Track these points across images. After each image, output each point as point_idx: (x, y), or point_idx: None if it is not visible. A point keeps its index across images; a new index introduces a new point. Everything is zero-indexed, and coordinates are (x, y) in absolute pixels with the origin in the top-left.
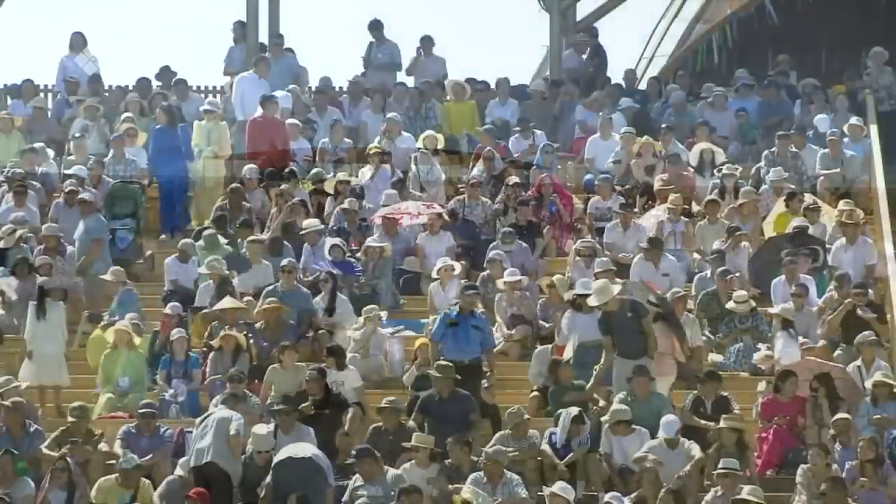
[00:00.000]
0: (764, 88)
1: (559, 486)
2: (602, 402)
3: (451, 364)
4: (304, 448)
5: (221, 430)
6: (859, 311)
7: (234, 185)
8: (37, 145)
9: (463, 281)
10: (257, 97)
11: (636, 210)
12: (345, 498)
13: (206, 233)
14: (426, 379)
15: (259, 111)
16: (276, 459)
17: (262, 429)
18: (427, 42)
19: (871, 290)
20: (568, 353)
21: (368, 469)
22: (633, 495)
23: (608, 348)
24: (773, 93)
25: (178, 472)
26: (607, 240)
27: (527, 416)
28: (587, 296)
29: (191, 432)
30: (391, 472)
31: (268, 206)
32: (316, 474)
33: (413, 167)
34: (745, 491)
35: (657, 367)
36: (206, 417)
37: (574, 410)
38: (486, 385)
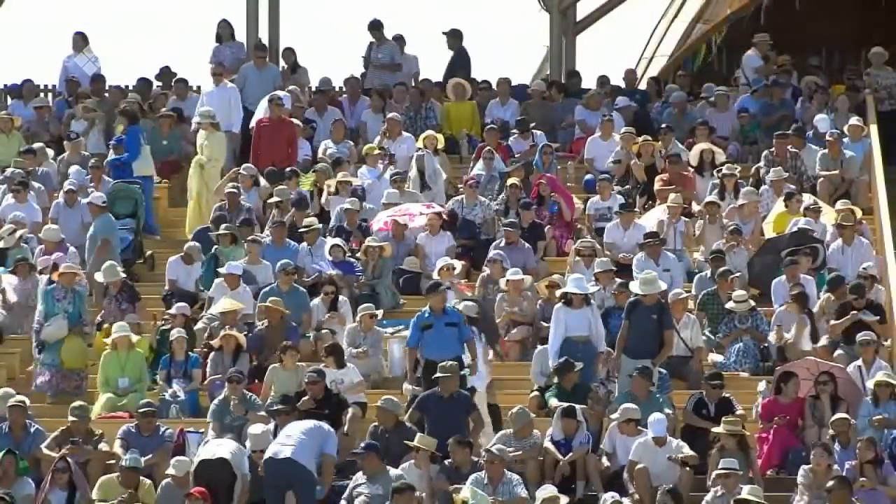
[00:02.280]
0: (768, 88)
1: (548, 489)
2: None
3: (455, 363)
4: (284, 448)
5: (240, 454)
6: (862, 317)
7: (231, 184)
8: (36, 145)
9: (463, 281)
10: (219, 107)
11: (636, 210)
12: (345, 494)
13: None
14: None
15: (264, 112)
16: (264, 457)
17: (258, 428)
18: (400, 41)
19: (872, 288)
20: (552, 354)
21: (371, 465)
22: (630, 497)
23: (624, 334)
24: (777, 92)
25: (171, 471)
26: (607, 239)
27: (533, 416)
28: (576, 294)
29: (191, 432)
30: (393, 471)
31: (270, 209)
32: (300, 473)
33: (414, 167)
34: (746, 490)
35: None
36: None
37: (563, 405)
38: (467, 373)
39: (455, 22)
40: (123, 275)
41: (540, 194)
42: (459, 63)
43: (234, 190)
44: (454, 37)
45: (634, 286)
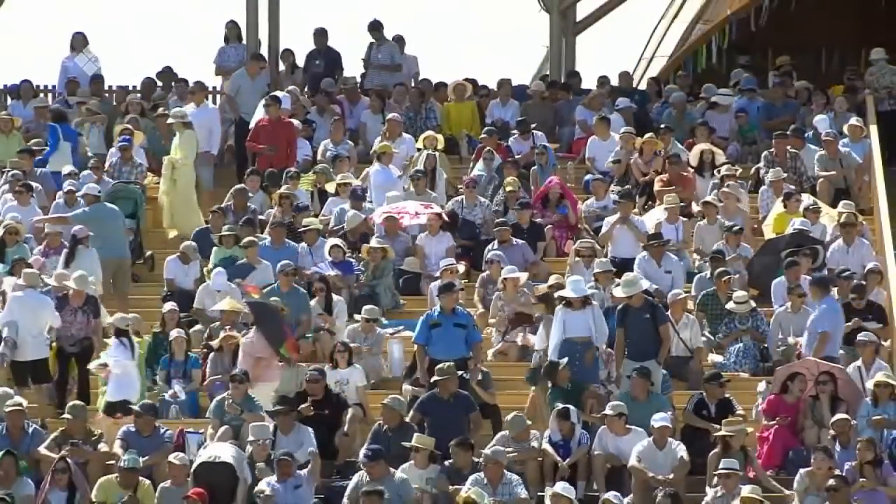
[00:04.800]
0: (769, 89)
1: (561, 486)
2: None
3: (452, 364)
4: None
5: (240, 458)
6: (864, 325)
7: (239, 185)
8: (35, 146)
9: (463, 281)
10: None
11: (636, 210)
12: (347, 493)
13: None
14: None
15: (262, 113)
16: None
17: (260, 421)
18: (399, 42)
19: (873, 288)
20: (552, 354)
21: (377, 471)
22: (631, 496)
23: (620, 342)
24: (778, 92)
25: (173, 460)
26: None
27: (529, 422)
28: (574, 297)
29: (191, 433)
30: (398, 475)
31: (266, 206)
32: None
33: (422, 166)
34: (746, 490)
35: (259, 372)
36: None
37: (558, 405)
38: (467, 376)
39: (455, 22)
40: (94, 287)
41: (547, 196)
42: (330, 62)
43: (244, 188)
44: (321, 35)
45: (617, 291)
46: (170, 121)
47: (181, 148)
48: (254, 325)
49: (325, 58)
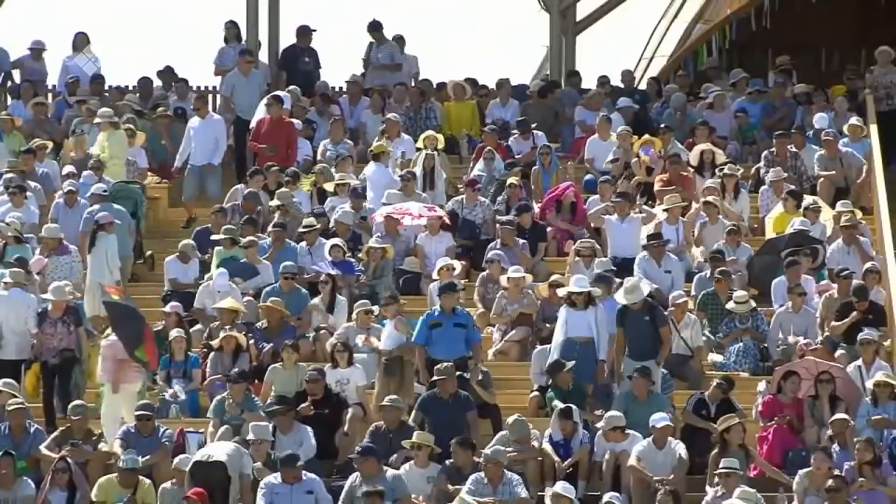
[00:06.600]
0: (769, 89)
1: (561, 486)
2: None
3: (453, 364)
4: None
5: (238, 454)
6: (864, 327)
7: (251, 190)
8: (37, 145)
9: (463, 281)
10: (205, 141)
11: (636, 210)
12: (343, 495)
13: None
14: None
15: (264, 112)
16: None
17: (260, 420)
18: (399, 42)
19: (874, 287)
20: (553, 355)
21: (368, 468)
22: (625, 495)
23: (620, 341)
24: (778, 92)
25: (176, 464)
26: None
27: (531, 427)
28: (579, 294)
29: (191, 432)
30: (390, 472)
31: (268, 205)
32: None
33: (421, 166)
34: (737, 493)
35: (121, 374)
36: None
37: (560, 405)
38: (468, 377)
39: (455, 22)
40: (71, 296)
41: (560, 200)
42: (316, 62)
43: (255, 192)
44: (306, 33)
45: (619, 296)
46: (97, 120)
47: (109, 147)
48: (111, 326)
49: (312, 56)
